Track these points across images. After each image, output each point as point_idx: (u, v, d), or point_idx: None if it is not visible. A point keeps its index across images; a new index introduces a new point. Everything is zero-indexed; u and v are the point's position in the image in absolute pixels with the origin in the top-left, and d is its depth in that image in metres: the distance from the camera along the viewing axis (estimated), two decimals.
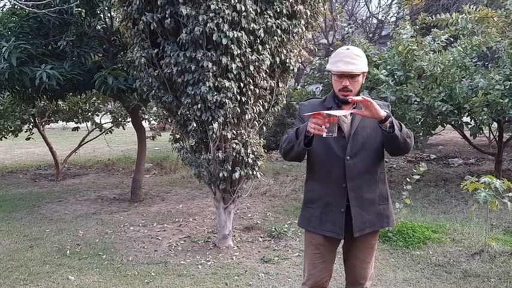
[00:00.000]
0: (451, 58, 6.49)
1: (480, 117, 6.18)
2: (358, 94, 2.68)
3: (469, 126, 6.84)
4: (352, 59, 2.61)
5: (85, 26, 6.41)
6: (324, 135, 2.40)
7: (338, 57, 2.65)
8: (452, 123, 7.05)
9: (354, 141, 2.67)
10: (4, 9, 6.85)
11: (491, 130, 9.64)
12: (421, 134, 6.88)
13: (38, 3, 5.85)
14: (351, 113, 2.57)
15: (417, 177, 5.37)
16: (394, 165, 9.23)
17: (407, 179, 5.39)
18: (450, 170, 8.77)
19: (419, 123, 6.59)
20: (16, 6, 6.23)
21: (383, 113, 2.45)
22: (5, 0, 6.73)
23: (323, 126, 2.37)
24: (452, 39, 7.13)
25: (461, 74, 6.69)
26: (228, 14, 4.39)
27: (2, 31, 6.04)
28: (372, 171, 2.73)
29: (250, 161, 5.03)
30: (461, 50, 6.57)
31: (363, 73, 2.67)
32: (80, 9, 6.29)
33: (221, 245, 5.34)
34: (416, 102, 6.40)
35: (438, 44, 6.74)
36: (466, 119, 7.00)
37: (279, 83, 5.24)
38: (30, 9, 5.87)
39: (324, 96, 3.13)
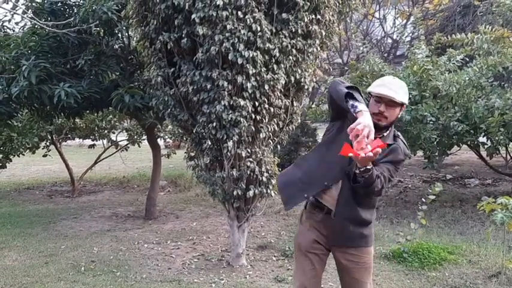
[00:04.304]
0: (467, 78, 6.47)
1: (497, 138, 6.13)
2: (391, 125, 2.72)
3: (486, 146, 6.78)
4: (395, 86, 2.65)
5: (103, 45, 6.51)
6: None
7: (383, 82, 2.70)
8: (468, 143, 6.99)
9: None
10: (25, 28, 7.00)
11: (508, 150, 9.53)
12: (436, 153, 6.83)
13: (58, 23, 5.98)
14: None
15: (433, 197, 5.32)
16: (410, 185, 9.15)
17: (423, 199, 5.35)
18: (466, 190, 8.67)
19: (435, 143, 6.56)
20: (36, 26, 6.37)
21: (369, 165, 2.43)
22: (25, 19, 6.85)
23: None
24: (467, 59, 7.12)
25: (477, 94, 6.66)
26: (244, 34, 4.45)
27: (22, 50, 6.16)
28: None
29: (264, 179, 5.03)
30: (477, 69, 6.56)
31: (402, 105, 2.69)
32: (98, 28, 6.39)
33: (235, 263, 5.32)
34: (431, 122, 6.37)
35: (453, 63, 6.73)
36: (482, 139, 6.94)
37: (294, 102, 5.26)
38: (50, 28, 6.01)
39: None
